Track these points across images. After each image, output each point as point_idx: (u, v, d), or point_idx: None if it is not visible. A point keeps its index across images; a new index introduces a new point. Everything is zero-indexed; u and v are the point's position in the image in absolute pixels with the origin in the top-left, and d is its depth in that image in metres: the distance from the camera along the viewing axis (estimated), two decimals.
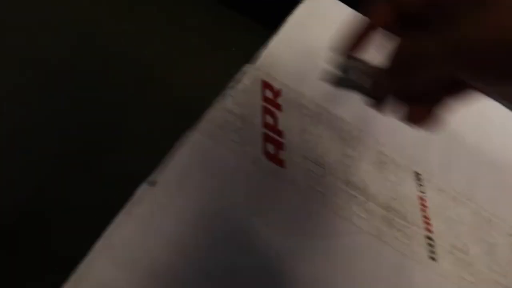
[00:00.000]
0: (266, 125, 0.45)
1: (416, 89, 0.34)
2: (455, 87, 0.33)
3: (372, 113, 0.49)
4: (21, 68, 0.88)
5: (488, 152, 0.55)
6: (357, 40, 0.36)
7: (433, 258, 0.44)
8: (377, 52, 0.34)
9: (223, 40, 1.07)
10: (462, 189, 0.50)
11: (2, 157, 0.83)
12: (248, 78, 0.47)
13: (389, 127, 0.50)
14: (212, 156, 0.42)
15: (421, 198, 0.46)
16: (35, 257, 0.82)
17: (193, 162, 0.41)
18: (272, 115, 0.46)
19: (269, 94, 0.47)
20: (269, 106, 0.46)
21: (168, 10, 1.07)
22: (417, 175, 0.48)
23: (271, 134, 0.44)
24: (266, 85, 0.47)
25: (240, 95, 0.46)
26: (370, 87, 0.36)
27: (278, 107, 0.46)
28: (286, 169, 0.43)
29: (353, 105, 0.49)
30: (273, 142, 0.44)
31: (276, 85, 0.48)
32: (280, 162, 0.43)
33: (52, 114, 0.87)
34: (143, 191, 0.39)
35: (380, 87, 0.35)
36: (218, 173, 0.42)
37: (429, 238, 0.45)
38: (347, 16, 0.58)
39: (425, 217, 0.46)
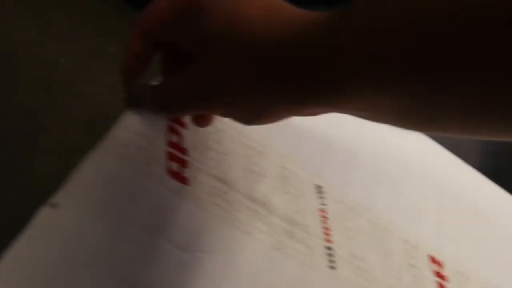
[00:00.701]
0: (170, 144, 0.47)
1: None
2: None
3: (275, 127, 0.52)
4: None
5: (384, 165, 0.60)
6: (130, 68, 0.44)
7: (332, 267, 0.48)
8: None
9: None
10: (361, 200, 0.55)
11: None
12: None
13: (291, 142, 0.54)
14: (116, 176, 0.44)
15: (322, 210, 0.51)
16: None
17: (96, 183, 0.43)
18: (177, 133, 0.48)
19: None
20: (174, 124, 0.49)
21: (80, 14, 1.07)
22: (318, 188, 0.52)
23: (175, 152, 0.47)
24: None
25: (144, 114, 0.48)
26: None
27: (183, 125, 0.49)
28: (190, 187, 0.45)
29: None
30: (177, 160, 0.46)
31: None
32: (184, 180, 0.46)
33: None
34: (44, 213, 0.40)
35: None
36: (122, 193, 0.44)
37: (329, 248, 0.49)
38: None
39: (326, 228, 0.50)
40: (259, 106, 0.37)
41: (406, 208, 0.58)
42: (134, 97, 0.46)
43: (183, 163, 0.47)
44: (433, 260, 0.56)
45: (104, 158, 0.44)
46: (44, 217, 0.39)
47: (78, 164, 0.43)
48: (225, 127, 0.51)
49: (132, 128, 0.47)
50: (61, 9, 1.08)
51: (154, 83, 0.45)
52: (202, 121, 0.48)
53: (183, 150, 0.48)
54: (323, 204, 0.51)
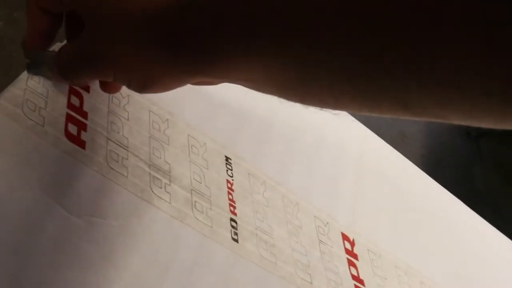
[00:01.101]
0: (70, 106, 0.47)
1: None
2: None
3: (184, 96, 0.52)
4: None
5: (300, 140, 0.60)
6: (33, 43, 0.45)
7: (235, 240, 0.48)
8: None
9: None
10: (274, 174, 0.55)
11: None
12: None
13: (202, 112, 0.54)
14: (10, 136, 0.43)
15: (229, 182, 0.51)
16: None
17: None
18: (79, 96, 0.48)
19: None
20: (76, 87, 0.48)
21: None
22: (227, 159, 0.52)
23: (74, 115, 0.46)
24: None
25: (46, 75, 0.47)
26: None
27: (86, 88, 0.48)
28: (87, 151, 0.45)
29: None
30: (76, 123, 0.46)
31: None
32: (81, 143, 0.45)
33: None
34: None
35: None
36: (15, 154, 0.43)
37: (233, 220, 0.49)
38: None
39: (231, 200, 0.50)
40: (146, 75, 0.38)
41: (321, 184, 0.59)
42: (36, 64, 0.46)
43: (82, 126, 0.46)
44: (345, 238, 0.57)
45: None
46: None
47: None
48: (130, 92, 0.50)
49: (31, 88, 0.46)
50: None
51: (54, 50, 0.45)
52: (108, 87, 0.47)
53: (83, 113, 0.47)
54: (230, 175, 0.52)
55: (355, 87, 0.28)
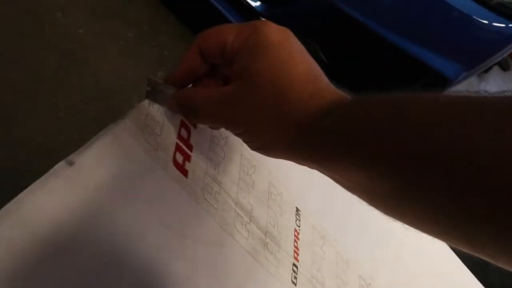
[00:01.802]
0: (180, 137, 0.54)
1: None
2: None
3: None
4: None
5: (358, 209, 0.67)
6: (179, 77, 0.51)
7: (294, 283, 0.55)
8: None
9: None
10: (332, 231, 0.61)
11: None
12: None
13: (282, 165, 0.60)
14: (129, 152, 0.50)
15: (296, 230, 0.57)
16: None
17: (111, 153, 0.49)
18: (187, 130, 0.55)
19: None
20: (187, 122, 0.55)
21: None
22: (297, 210, 0.59)
23: (182, 146, 0.54)
24: None
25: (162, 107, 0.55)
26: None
27: (194, 124, 0.56)
28: (188, 179, 0.52)
29: None
30: (182, 153, 0.53)
31: None
32: (184, 172, 0.52)
33: None
34: (60, 168, 0.46)
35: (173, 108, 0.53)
36: (130, 169, 0.50)
37: (295, 265, 0.56)
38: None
39: (296, 247, 0.57)
40: (269, 147, 0.46)
41: (368, 247, 0.66)
42: (156, 92, 0.53)
43: (187, 157, 0.54)
44: None
45: (121, 133, 0.51)
46: (59, 171, 0.46)
47: (98, 133, 0.50)
48: (228, 134, 0.58)
49: (151, 115, 0.53)
50: None
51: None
52: (216, 128, 0.56)
53: (189, 146, 0.55)
54: (298, 225, 0.59)
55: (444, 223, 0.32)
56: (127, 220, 0.48)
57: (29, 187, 0.45)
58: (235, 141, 0.58)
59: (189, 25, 1.17)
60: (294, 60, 0.42)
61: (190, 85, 0.52)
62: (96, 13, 1.11)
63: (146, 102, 0.54)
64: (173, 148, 0.53)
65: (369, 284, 0.63)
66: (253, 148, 0.47)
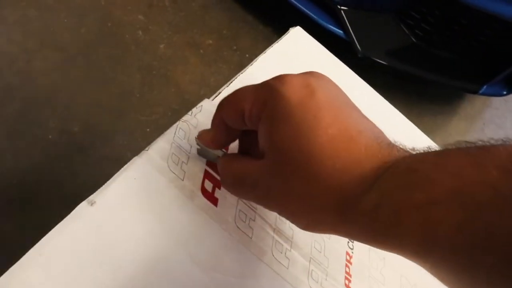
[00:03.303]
0: (209, 163, 0.51)
1: None
2: None
3: None
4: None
5: None
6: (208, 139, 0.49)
7: None
8: None
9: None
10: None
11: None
12: (202, 115, 0.54)
13: None
14: (153, 185, 0.49)
15: (348, 254, 0.52)
16: None
17: (133, 189, 0.48)
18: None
19: None
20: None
21: (185, 4, 1.14)
22: None
23: (212, 172, 0.51)
24: None
25: (191, 131, 0.53)
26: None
27: (225, 147, 0.53)
28: (219, 208, 0.49)
29: None
30: (212, 180, 0.50)
31: None
32: (214, 200, 0.49)
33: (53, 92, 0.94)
34: (81, 209, 0.46)
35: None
36: (155, 202, 0.48)
37: None
38: (321, 57, 0.64)
39: (348, 273, 0.51)
40: (313, 227, 0.39)
41: None
42: (206, 150, 0.51)
43: (217, 184, 0.51)
44: None
45: (145, 167, 0.49)
46: (80, 212, 0.45)
47: (122, 168, 0.49)
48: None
49: (177, 143, 0.51)
50: None
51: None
52: None
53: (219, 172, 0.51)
54: (350, 248, 0.53)
55: None
56: (152, 258, 0.46)
57: (51, 232, 0.45)
58: None
59: (269, 25, 1.14)
60: (321, 124, 0.35)
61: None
62: (174, 26, 1.12)
63: (171, 129, 0.53)
64: (201, 175, 0.51)
65: None
66: (299, 227, 0.41)
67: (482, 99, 1.28)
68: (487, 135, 1.21)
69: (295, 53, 0.64)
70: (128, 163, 0.50)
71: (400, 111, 1.17)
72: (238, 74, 0.59)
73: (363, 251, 0.54)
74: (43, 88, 0.97)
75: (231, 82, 0.58)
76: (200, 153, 0.51)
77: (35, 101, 0.96)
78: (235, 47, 1.15)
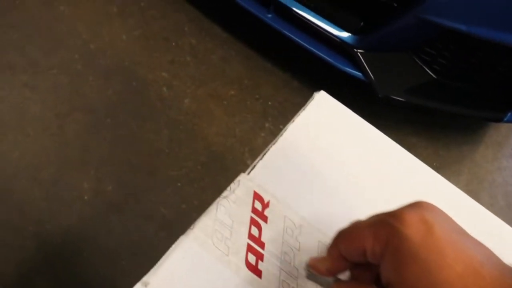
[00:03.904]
0: (251, 237, 0.55)
1: None
2: None
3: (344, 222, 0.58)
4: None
5: None
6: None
7: None
8: None
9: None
10: None
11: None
12: (241, 189, 0.57)
13: None
14: (201, 263, 0.53)
15: None
16: None
17: (183, 268, 0.52)
18: (258, 227, 0.56)
19: (258, 205, 0.57)
20: (257, 218, 0.56)
21: (206, 58, 1.20)
22: None
23: (254, 245, 0.54)
24: (256, 196, 0.57)
25: (231, 206, 0.56)
26: None
27: (264, 219, 0.56)
28: (263, 280, 0.53)
29: (335, 222, 0.58)
30: (254, 253, 0.54)
31: (266, 197, 0.58)
32: (258, 273, 0.53)
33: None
34: None
35: None
36: (203, 280, 0.52)
37: None
38: (352, 122, 0.68)
39: None
40: None
41: None
42: (315, 277, 0.54)
43: (259, 256, 0.54)
44: None
45: (191, 245, 0.53)
46: None
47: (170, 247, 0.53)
48: (303, 222, 0.58)
49: (219, 219, 0.55)
50: (189, 54, 1.23)
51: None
52: None
53: (261, 244, 0.55)
54: None
55: None
56: None
57: None
58: (310, 228, 0.58)
59: (288, 70, 1.18)
60: (446, 261, 0.37)
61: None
62: (197, 80, 1.17)
63: (213, 205, 0.56)
64: (244, 249, 0.54)
65: None
66: None
67: (508, 125, 1.31)
68: None
69: (323, 120, 0.68)
70: (176, 242, 0.54)
71: (425, 144, 1.20)
72: (270, 146, 0.63)
73: None
74: (75, 151, 1.02)
75: (265, 155, 0.62)
76: (310, 277, 0.55)
77: (69, 164, 1.01)
78: (257, 96, 1.19)
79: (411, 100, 1.18)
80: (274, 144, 0.63)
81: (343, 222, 0.55)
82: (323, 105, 0.69)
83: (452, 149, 1.21)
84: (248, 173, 0.60)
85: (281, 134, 0.65)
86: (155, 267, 0.52)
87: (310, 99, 0.69)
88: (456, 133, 1.24)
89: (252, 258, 0.54)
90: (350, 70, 1.17)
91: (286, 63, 1.20)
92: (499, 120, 1.21)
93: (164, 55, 1.21)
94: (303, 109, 0.68)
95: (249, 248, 0.55)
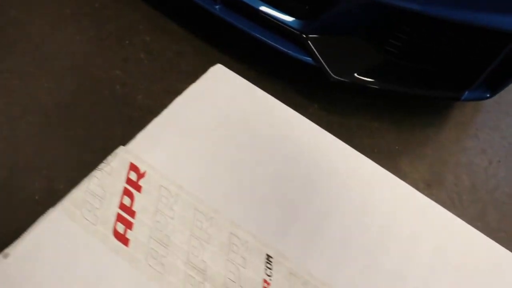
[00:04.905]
0: (122, 206, 0.55)
1: None
2: None
3: (231, 192, 0.57)
4: None
5: (354, 242, 0.60)
6: None
7: None
8: None
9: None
10: (319, 273, 0.56)
11: None
12: (116, 161, 0.58)
13: (248, 209, 0.57)
14: (67, 234, 0.53)
15: (266, 281, 0.54)
16: None
17: (47, 239, 0.52)
18: (131, 196, 0.55)
19: (133, 176, 0.57)
20: (130, 188, 0.56)
21: (159, 54, 1.21)
22: (268, 258, 0.55)
23: (124, 214, 0.54)
24: (133, 167, 0.57)
25: (105, 177, 0.56)
26: None
27: (138, 188, 0.56)
28: (130, 248, 0.52)
29: (216, 187, 0.58)
30: (124, 222, 0.54)
31: (142, 167, 0.57)
32: (125, 241, 0.53)
33: None
34: None
35: None
36: (69, 250, 0.52)
37: None
38: (245, 90, 0.67)
39: None
40: None
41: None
42: None
43: (128, 225, 0.54)
44: None
45: (58, 216, 0.53)
46: None
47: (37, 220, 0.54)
48: (179, 191, 0.57)
49: (90, 190, 0.55)
50: (144, 51, 1.23)
51: None
52: None
53: (131, 213, 0.55)
54: (268, 275, 0.54)
55: None
56: None
57: None
58: (188, 197, 0.57)
59: (244, 62, 1.18)
60: None
61: None
62: (152, 76, 1.19)
63: (86, 180, 0.56)
64: (113, 219, 0.54)
65: None
66: None
67: (472, 105, 1.27)
68: (482, 140, 1.19)
69: (218, 90, 0.68)
70: (44, 215, 0.54)
71: (387, 128, 1.17)
72: (154, 119, 0.63)
73: (283, 276, 0.55)
74: (27, 153, 1.04)
75: (146, 127, 0.62)
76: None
77: (20, 166, 1.03)
78: None
79: (363, 82, 1.16)
80: (157, 116, 0.63)
81: (224, 189, 0.55)
82: (219, 78, 0.69)
83: (415, 132, 1.18)
84: (127, 145, 0.60)
85: (167, 107, 0.65)
86: (19, 239, 0.52)
87: (205, 72, 0.69)
88: (420, 116, 1.22)
89: (120, 227, 0.54)
90: (300, 56, 1.16)
91: (242, 56, 1.20)
92: (457, 99, 1.19)
93: (118, 53, 1.22)
94: (194, 83, 0.68)
95: (119, 218, 0.54)
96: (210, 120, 0.65)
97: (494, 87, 1.17)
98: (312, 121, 0.75)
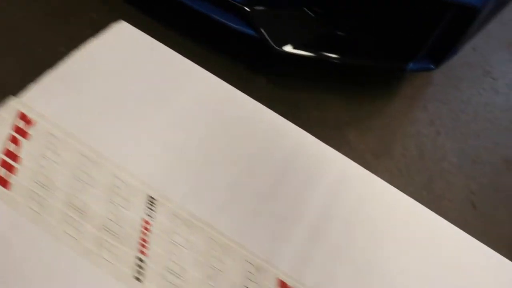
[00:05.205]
0: (6, 152, 0.56)
1: None
2: None
3: (116, 136, 0.58)
4: None
5: (244, 184, 0.61)
6: None
7: (138, 279, 0.52)
8: None
9: None
10: (204, 215, 0.57)
11: None
12: (5, 110, 0.59)
13: (133, 153, 0.58)
14: None
15: (146, 222, 0.55)
16: None
17: None
18: (16, 143, 0.57)
19: (21, 124, 0.58)
20: (16, 135, 0.57)
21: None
22: (151, 200, 0.56)
23: (7, 159, 0.55)
24: (22, 116, 0.58)
25: None
26: None
27: (25, 136, 0.57)
28: (10, 191, 0.54)
29: (106, 134, 0.59)
30: (7, 167, 0.55)
31: (32, 116, 0.59)
32: (6, 185, 0.54)
33: None
34: None
35: None
36: None
37: (141, 260, 0.53)
38: (147, 47, 0.68)
39: (144, 240, 0.54)
40: None
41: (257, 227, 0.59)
42: None
43: (11, 170, 0.55)
44: (282, 284, 0.56)
45: None
46: None
47: None
48: (67, 138, 0.58)
49: None
50: (90, 28, 1.25)
51: None
52: None
53: (15, 158, 0.56)
54: (149, 215, 0.55)
55: None
56: None
57: None
58: (74, 141, 0.58)
59: (182, 34, 1.19)
60: None
61: None
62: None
63: None
64: None
65: (265, 268, 0.57)
66: None
67: (422, 78, 1.27)
68: (431, 112, 1.19)
69: (119, 48, 0.69)
70: None
71: (338, 101, 1.18)
72: (48, 71, 0.64)
73: (165, 218, 0.56)
74: None
75: (40, 79, 0.63)
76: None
77: None
78: None
79: (306, 54, 1.17)
80: (52, 69, 0.64)
81: (113, 136, 0.56)
82: (122, 35, 0.70)
83: (365, 104, 1.19)
84: (17, 96, 0.62)
85: (63, 60, 0.66)
86: None
87: (107, 28, 0.70)
88: (370, 89, 1.22)
89: (2, 171, 0.55)
90: (243, 28, 1.17)
91: (179, 27, 1.21)
92: (403, 69, 1.19)
93: (63, 30, 1.23)
94: (96, 38, 0.69)
95: (2, 163, 0.56)
96: (108, 73, 0.66)
97: (438, 58, 1.17)
98: (260, 94, 0.76)
